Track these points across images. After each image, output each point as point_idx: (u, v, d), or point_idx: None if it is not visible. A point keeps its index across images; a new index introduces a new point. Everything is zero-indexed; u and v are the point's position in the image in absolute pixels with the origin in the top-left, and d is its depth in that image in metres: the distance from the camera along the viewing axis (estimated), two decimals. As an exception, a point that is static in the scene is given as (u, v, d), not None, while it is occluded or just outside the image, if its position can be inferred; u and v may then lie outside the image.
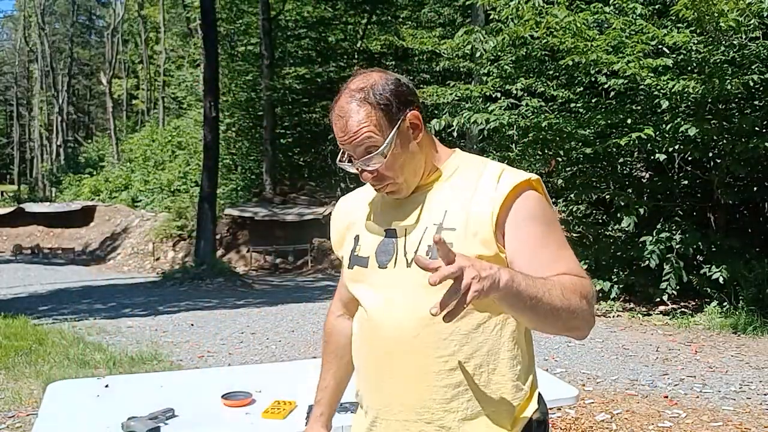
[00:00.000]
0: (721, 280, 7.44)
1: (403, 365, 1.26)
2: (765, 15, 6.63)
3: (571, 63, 7.45)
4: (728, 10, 6.47)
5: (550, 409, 4.48)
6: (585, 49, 7.28)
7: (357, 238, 1.36)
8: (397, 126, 1.22)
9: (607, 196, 8.89)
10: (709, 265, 7.77)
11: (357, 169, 1.26)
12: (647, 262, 7.80)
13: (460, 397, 1.24)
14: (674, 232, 7.87)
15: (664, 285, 7.73)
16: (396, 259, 1.27)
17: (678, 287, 7.85)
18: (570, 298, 1.14)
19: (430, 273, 1.02)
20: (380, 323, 1.28)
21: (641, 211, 8.06)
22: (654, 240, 7.81)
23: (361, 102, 1.21)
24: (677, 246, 7.74)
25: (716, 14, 6.63)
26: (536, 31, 7.70)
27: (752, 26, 6.69)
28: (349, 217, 1.42)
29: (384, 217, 1.32)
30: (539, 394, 1.34)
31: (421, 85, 11.67)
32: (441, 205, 1.26)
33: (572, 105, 9.06)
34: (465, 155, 1.35)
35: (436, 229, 1.24)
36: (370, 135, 1.21)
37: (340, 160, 1.29)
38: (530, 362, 1.33)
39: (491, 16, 8.86)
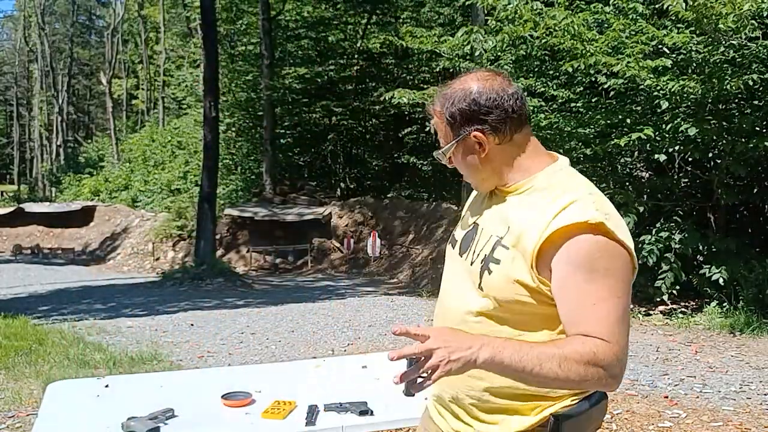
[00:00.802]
0: (721, 281, 7.44)
1: None
2: (765, 15, 6.62)
3: (570, 70, 7.45)
4: (726, 14, 6.46)
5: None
6: (584, 52, 7.28)
7: (461, 221, 1.51)
8: (458, 139, 1.35)
9: (607, 196, 8.89)
10: (709, 266, 7.77)
11: None
12: (645, 260, 7.81)
13: (483, 390, 1.33)
14: (674, 231, 7.88)
15: (659, 284, 7.73)
16: (468, 253, 1.40)
17: (677, 287, 7.85)
18: (570, 370, 1.17)
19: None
20: (441, 303, 1.47)
21: (641, 210, 8.05)
22: (653, 239, 7.81)
23: (438, 108, 1.37)
24: (676, 246, 7.74)
25: (714, 16, 6.62)
26: (535, 32, 7.70)
27: (751, 27, 6.67)
28: (470, 200, 1.57)
29: (478, 210, 1.46)
30: (589, 394, 1.35)
31: (421, 85, 11.67)
32: (508, 220, 1.32)
33: (572, 105, 9.06)
34: (555, 173, 1.35)
35: (495, 242, 1.32)
36: (439, 137, 1.39)
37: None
38: None
39: (489, 21, 8.86)
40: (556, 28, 7.41)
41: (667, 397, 4.57)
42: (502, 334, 1.28)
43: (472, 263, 1.36)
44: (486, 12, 9.21)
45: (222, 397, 2.15)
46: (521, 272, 1.26)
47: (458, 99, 1.33)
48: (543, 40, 7.82)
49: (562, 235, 1.22)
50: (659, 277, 7.77)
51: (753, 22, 6.38)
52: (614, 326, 1.21)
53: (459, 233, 1.47)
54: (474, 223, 1.43)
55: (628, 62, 7.02)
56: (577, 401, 1.32)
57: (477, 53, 8.73)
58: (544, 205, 1.27)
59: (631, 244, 1.28)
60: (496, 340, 1.19)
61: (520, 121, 1.34)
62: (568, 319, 1.24)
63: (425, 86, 11.10)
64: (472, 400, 1.35)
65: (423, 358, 1.14)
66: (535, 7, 7.52)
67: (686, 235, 7.82)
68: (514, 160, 1.35)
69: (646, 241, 7.84)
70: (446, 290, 1.45)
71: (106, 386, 2.34)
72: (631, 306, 8.38)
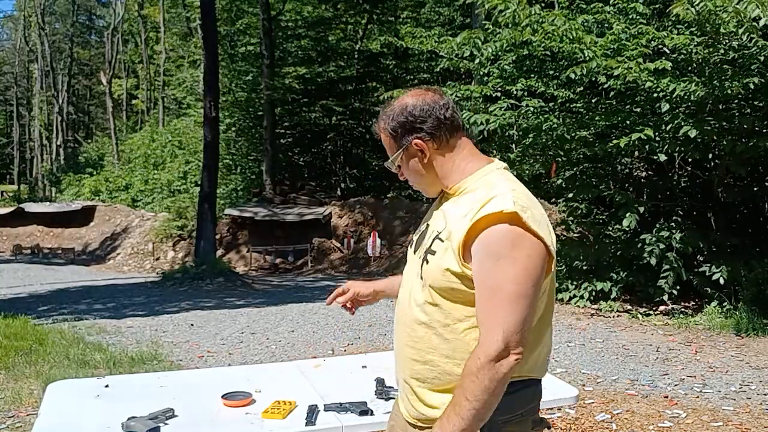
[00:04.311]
0: (721, 280, 7.43)
1: (400, 329, 1.59)
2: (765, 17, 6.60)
3: (573, 76, 7.44)
4: (728, 20, 6.45)
5: (550, 409, 4.43)
6: (585, 57, 7.27)
7: (419, 226, 1.68)
8: (401, 148, 1.54)
9: (607, 196, 8.88)
10: (709, 265, 7.77)
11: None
12: (646, 260, 7.80)
13: (426, 373, 1.51)
14: (674, 231, 7.87)
15: (661, 282, 7.73)
16: (419, 251, 1.57)
17: (678, 287, 7.85)
18: (475, 399, 1.36)
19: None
20: (402, 286, 1.64)
21: (641, 210, 8.05)
22: (653, 238, 7.80)
23: (382, 125, 1.57)
24: (677, 245, 7.74)
25: (717, 21, 6.62)
26: (534, 36, 7.71)
27: (753, 30, 6.65)
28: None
29: (429, 214, 1.64)
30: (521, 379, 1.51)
31: (422, 85, 11.66)
32: (446, 216, 1.50)
33: (572, 105, 9.05)
34: (486, 174, 1.51)
35: (435, 236, 1.50)
36: (388, 152, 1.58)
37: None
38: None
39: (486, 26, 8.86)
40: (555, 33, 7.42)
41: (667, 397, 4.57)
42: (444, 320, 1.47)
43: (419, 259, 1.54)
44: (485, 16, 9.21)
45: (222, 397, 2.15)
46: (450, 261, 1.43)
47: (397, 114, 1.53)
48: (542, 44, 7.83)
49: (481, 225, 1.38)
50: (661, 276, 7.76)
51: (755, 25, 6.36)
52: (502, 311, 1.37)
53: (415, 236, 1.64)
54: (426, 224, 1.60)
55: (629, 66, 7.01)
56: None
57: (477, 61, 8.76)
58: (472, 202, 1.44)
59: (546, 236, 1.41)
60: (442, 422, 1.40)
61: (454, 127, 1.53)
62: (477, 306, 1.42)
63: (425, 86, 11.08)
64: (418, 384, 1.52)
65: None
66: (533, 12, 7.52)
67: (687, 233, 7.82)
68: (453, 163, 1.53)
69: (647, 241, 7.84)
70: (402, 286, 1.62)
71: (106, 386, 2.34)
72: (631, 306, 8.42)
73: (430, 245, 1.49)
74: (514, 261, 1.37)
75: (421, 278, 1.50)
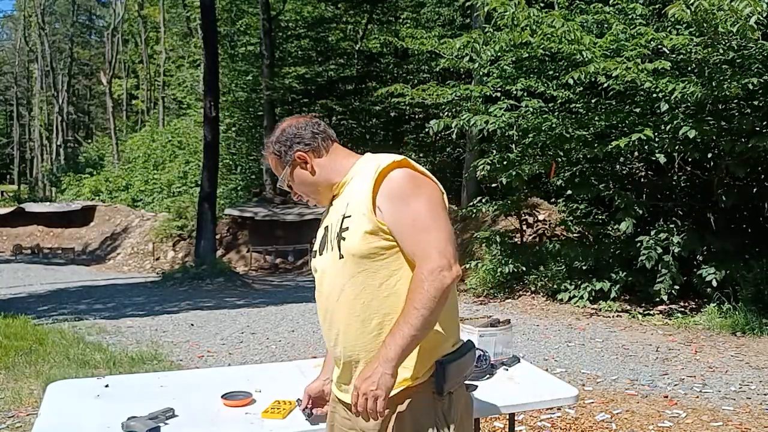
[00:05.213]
0: (714, 282, 7.42)
1: (335, 321, 1.67)
2: (764, 15, 6.60)
3: (571, 82, 7.44)
4: (725, 18, 6.45)
5: (550, 409, 4.43)
6: (584, 60, 7.27)
7: (316, 236, 1.82)
8: (287, 164, 1.75)
9: (607, 196, 8.88)
10: (708, 265, 7.77)
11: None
12: (642, 264, 7.81)
13: (377, 340, 1.59)
14: (673, 232, 7.87)
15: (658, 286, 7.73)
16: (326, 247, 1.69)
17: (676, 288, 7.85)
18: (423, 307, 1.49)
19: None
20: (319, 292, 1.74)
21: (640, 212, 8.05)
22: (651, 241, 7.80)
23: (269, 150, 1.79)
24: (674, 247, 7.74)
25: (714, 21, 6.62)
26: (533, 38, 7.71)
27: (750, 30, 6.66)
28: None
29: (323, 222, 1.78)
30: (461, 344, 1.68)
31: (421, 85, 11.68)
32: (345, 201, 1.66)
33: (572, 105, 9.05)
34: (366, 158, 1.72)
35: (341, 220, 1.63)
36: (276, 170, 1.79)
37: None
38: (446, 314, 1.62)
39: (485, 28, 8.87)
40: (554, 35, 7.42)
41: (667, 397, 4.58)
42: (374, 281, 1.59)
43: (332, 248, 1.65)
44: (485, 18, 9.22)
45: (222, 397, 2.15)
46: (364, 224, 1.57)
47: (278, 137, 1.76)
48: (542, 45, 7.83)
49: (381, 177, 1.57)
50: (657, 279, 7.76)
51: (752, 25, 6.35)
52: (428, 235, 1.54)
53: (316, 244, 1.78)
54: (324, 227, 1.74)
55: (627, 66, 7.00)
56: (453, 350, 1.64)
57: (476, 65, 8.76)
58: (364, 176, 1.62)
59: (432, 177, 1.63)
60: (380, 353, 1.51)
61: (328, 137, 1.76)
62: (405, 245, 1.57)
63: (425, 86, 11.12)
64: (371, 357, 1.59)
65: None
66: (532, 14, 7.52)
67: (685, 236, 7.81)
68: (334, 164, 1.74)
69: (644, 244, 7.83)
70: (318, 282, 1.73)
71: (106, 386, 2.34)
72: (631, 306, 8.41)
73: (341, 228, 1.62)
74: (419, 195, 1.57)
75: (342, 257, 1.61)
